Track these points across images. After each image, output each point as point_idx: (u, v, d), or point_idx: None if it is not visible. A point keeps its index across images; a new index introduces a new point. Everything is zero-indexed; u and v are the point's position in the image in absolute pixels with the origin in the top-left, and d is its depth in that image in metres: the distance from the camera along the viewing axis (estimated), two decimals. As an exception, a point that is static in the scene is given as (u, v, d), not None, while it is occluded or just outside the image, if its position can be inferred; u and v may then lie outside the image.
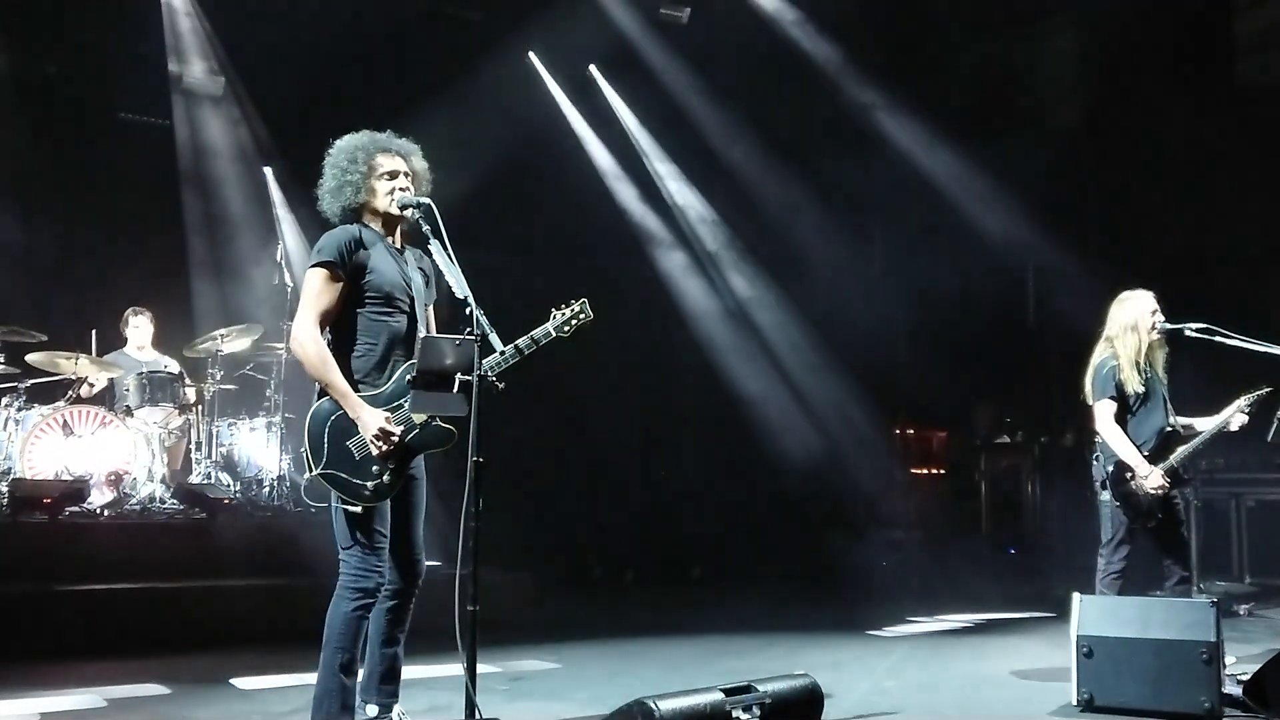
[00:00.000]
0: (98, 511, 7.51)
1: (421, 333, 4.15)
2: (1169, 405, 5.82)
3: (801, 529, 11.46)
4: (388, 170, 4.16)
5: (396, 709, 4.28)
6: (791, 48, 10.99)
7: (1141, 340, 5.77)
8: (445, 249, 4.03)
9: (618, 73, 11.42)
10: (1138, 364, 5.76)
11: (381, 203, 4.16)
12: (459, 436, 4.01)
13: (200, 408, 8.49)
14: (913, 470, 12.59)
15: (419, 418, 4.01)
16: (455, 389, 3.90)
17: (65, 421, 7.73)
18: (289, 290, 8.63)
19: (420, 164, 4.28)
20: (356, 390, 4.00)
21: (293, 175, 10.18)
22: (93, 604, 6.59)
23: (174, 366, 8.49)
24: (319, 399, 4.04)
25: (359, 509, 3.96)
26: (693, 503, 11.92)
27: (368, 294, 4.07)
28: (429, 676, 5.43)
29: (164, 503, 7.75)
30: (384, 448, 3.93)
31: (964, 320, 11.28)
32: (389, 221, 4.21)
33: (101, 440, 7.79)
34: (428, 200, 4.13)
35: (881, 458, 12.16)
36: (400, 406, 4.01)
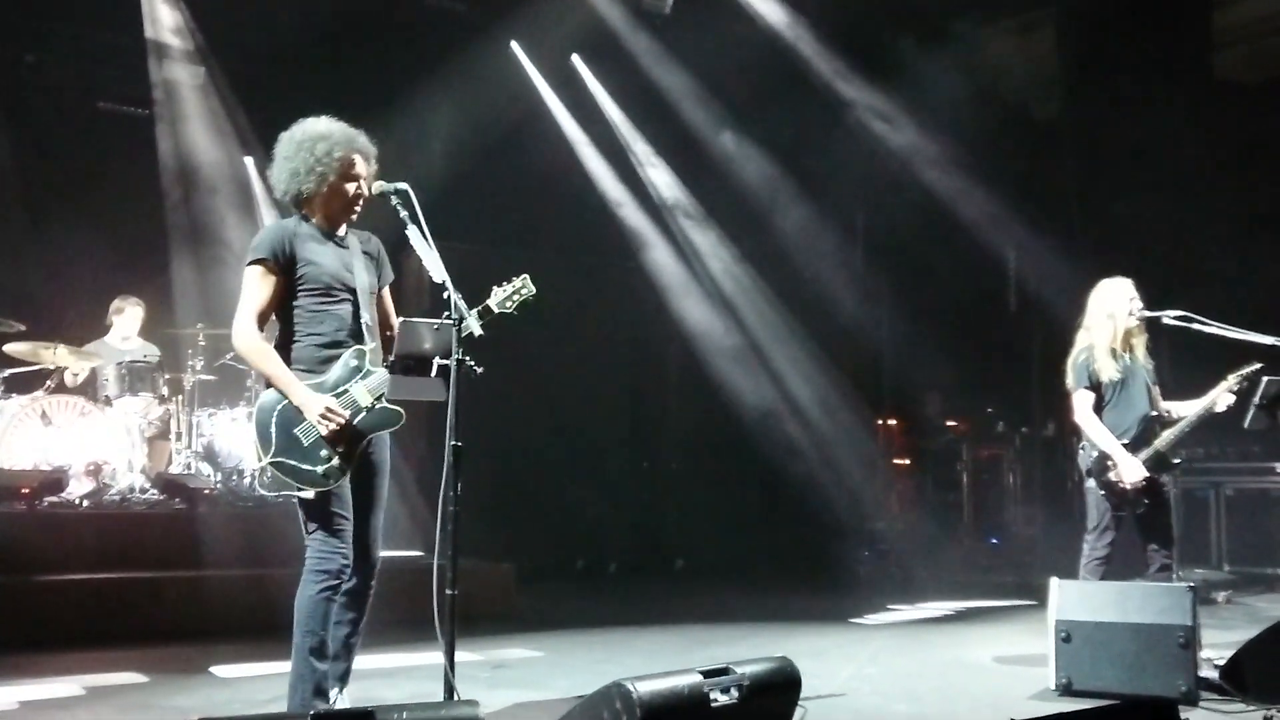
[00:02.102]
0: (77, 501, 7.46)
1: (366, 319, 4.16)
2: (1153, 391, 5.81)
3: (784, 520, 11.48)
4: (356, 173, 4.19)
5: (342, 690, 4.27)
6: (773, 38, 10.99)
7: (1117, 328, 5.77)
8: (423, 233, 4.02)
9: (600, 63, 11.40)
10: (1114, 352, 5.76)
11: (336, 203, 4.19)
12: (437, 421, 4.00)
13: (180, 398, 8.45)
14: (895, 460, 12.63)
15: (365, 401, 4.04)
16: (434, 373, 3.90)
17: (44, 411, 7.67)
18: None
19: (373, 167, 4.29)
20: (302, 379, 4.03)
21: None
22: (72, 594, 6.56)
23: (156, 355, 8.45)
24: (265, 389, 4.10)
25: (311, 495, 3.99)
26: (676, 494, 11.93)
27: (306, 286, 4.12)
28: (412, 665, 5.44)
29: (144, 493, 7.72)
30: (330, 427, 3.95)
31: (945, 311, 11.31)
32: (334, 217, 4.23)
33: (80, 430, 7.74)
34: (405, 185, 4.13)
35: (864, 448, 12.18)
36: (345, 392, 4.05)
